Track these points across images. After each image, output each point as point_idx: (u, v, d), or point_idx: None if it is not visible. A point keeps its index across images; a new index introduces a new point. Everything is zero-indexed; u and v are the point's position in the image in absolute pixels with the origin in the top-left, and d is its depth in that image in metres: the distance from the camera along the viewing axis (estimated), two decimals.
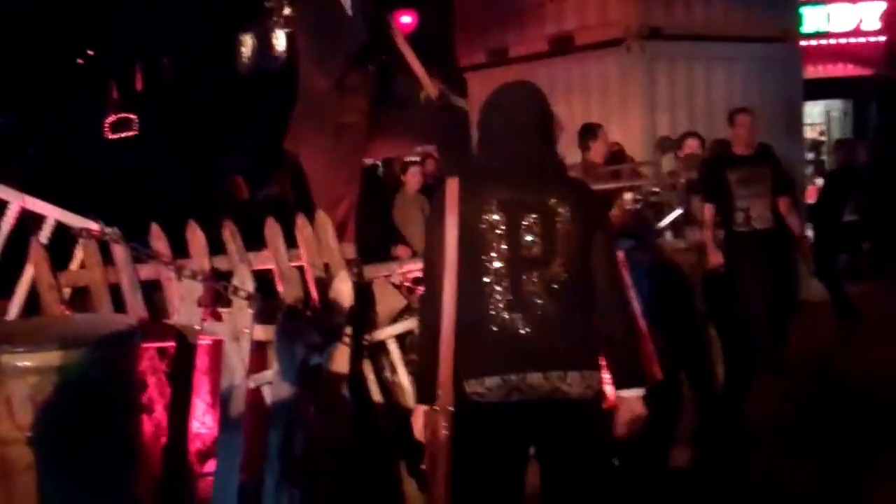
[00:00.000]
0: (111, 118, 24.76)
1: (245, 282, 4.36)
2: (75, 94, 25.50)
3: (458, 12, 10.02)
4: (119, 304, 4.53)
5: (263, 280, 4.60)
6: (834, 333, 8.40)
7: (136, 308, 4.48)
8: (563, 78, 9.02)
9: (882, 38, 15.44)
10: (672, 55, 8.82)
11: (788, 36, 9.65)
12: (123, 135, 24.32)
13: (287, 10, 20.86)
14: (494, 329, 2.86)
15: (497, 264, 2.90)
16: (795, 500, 4.92)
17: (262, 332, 4.31)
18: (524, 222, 2.92)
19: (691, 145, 7.73)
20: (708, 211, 6.85)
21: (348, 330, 4.25)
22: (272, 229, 4.69)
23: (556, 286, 2.88)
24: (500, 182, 2.97)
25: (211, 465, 4.08)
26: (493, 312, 2.87)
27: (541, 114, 3.13)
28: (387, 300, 4.66)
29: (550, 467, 2.95)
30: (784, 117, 9.45)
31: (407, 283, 4.78)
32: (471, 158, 5.08)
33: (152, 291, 4.64)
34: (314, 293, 4.55)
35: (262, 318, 4.33)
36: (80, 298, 4.60)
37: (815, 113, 15.76)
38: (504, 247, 2.89)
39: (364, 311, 4.51)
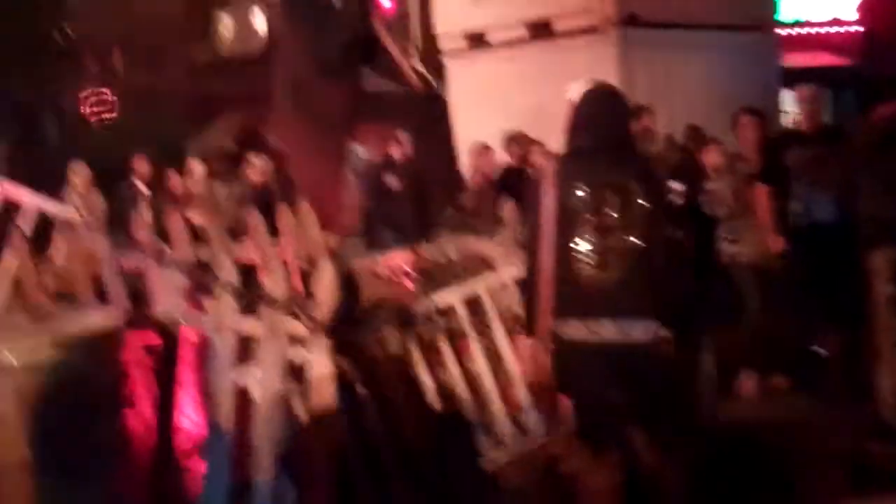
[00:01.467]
0: (87, 94, 24.50)
1: (228, 272, 4.36)
2: (52, 69, 25.21)
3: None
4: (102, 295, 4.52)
5: (246, 271, 4.60)
6: None
7: (120, 300, 4.47)
8: (540, 64, 9.01)
9: (859, 28, 15.54)
10: (650, 43, 8.85)
11: (765, 25, 9.70)
12: (100, 112, 24.11)
13: None
14: (578, 283, 3.55)
15: (583, 233, 3.56)
16: None
17: (248, 325, 4.31)
18: (606, 198, 3.56)
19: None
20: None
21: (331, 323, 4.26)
22: (254, 218, 4.70)
23: (629, 251, 3.54)
24: (587, 164, 3.64)
25: (199, 462, 4.08)
26: (578, 270, 3.56)
27: (621, 111, 3.86)
28: (371, 290, 4.68)
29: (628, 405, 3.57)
30: (761, 105, 9.47)
31: (391, 275, 4.79)
32: (451, 146, 5.16)
33: (135, 281, 4.63)
34: (298, 284, 4.56)
35: (245, 310, 4.33)
36: (63, 288, 4.59)
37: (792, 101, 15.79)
38: (589, 217, 3.55)
39: (348, 301, 4.52)
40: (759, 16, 9.55)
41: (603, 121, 3.72)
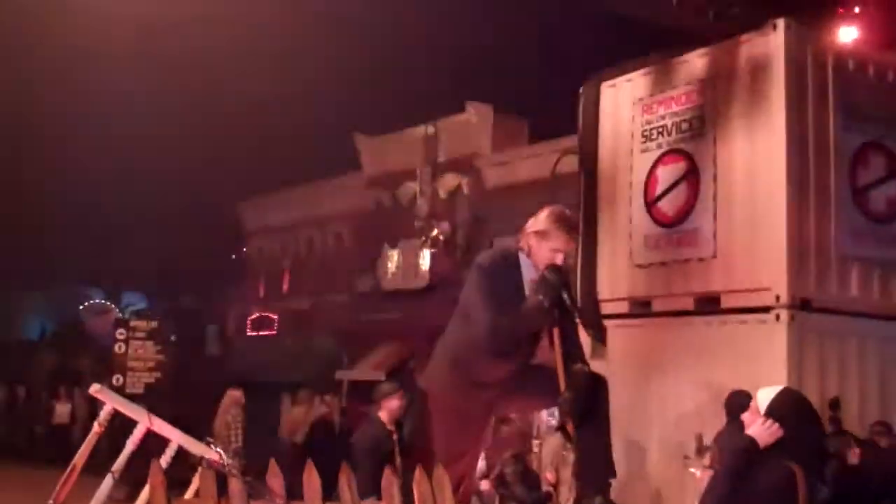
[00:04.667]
0: (254, 315, 25.62)
1: None
2: (224, 288, 26.68)
3: (603, 261, 9.99)
4: None
5: None
6: None
7: None
8: (708, 339, 8.76)
9: None
10: (823, 329, 8.46)
11: None
12: (262, 333, 25.07)
13: (435, 231, 21.52)
14: None
15: None
16: None
17: None
18: None
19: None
20: None
21: None
22: (388, 480, 4.53)
23: None
24: None
25: None
26: None
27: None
28: None
29: None
30: None
31: None
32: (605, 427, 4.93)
33: None
34: None
35: None
36: None
37: None
38: None
39: None
40: None
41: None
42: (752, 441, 3.87)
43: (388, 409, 7.83)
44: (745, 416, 4.15)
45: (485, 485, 8.89)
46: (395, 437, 7.75)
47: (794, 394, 4.23)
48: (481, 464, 7.22)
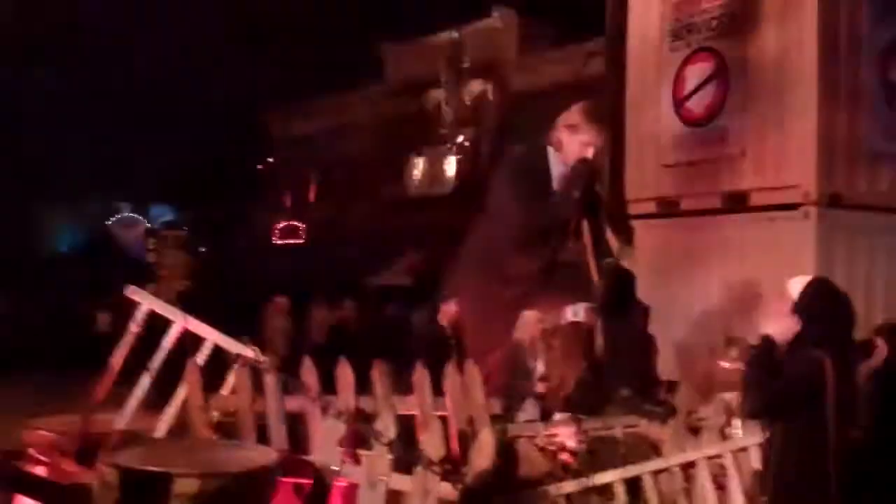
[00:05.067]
0: (281, 224, 25.77)
1: (388, 427, 4.30)
2: (252, 198, 26.79)
3: (631, 160, 9.95)
4: (264, 433, 4.54)
5: (406, 425, 4.52)
6: None
7: (280, 440, 4.47)
8: (735, 237, 8.74)
9: None
10: (853, 226, 8.42)
11: None
12: (290, 241, 25.25)
13: (460, 138, 21.42)
14: None
15: None
16: None
17: (400, 482, 4.20)
18: None
19: None
20: None
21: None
22: (420, 374, 4.63)
23: None
24: None
25: None
26: None
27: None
28: (529, 462, 4.49)
29: None
30: None
31: (552, 447, 4.60)
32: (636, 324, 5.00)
33: (297, 424, 4.63)
34: (455, 447, 4.43)
35: (400, 465, 4.23)
36: (229, 421, 4.63)
37: None
38: None
39: (505, 471, 4.34)
40: None
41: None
42: (766, 338, 3.92)
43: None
44: (775, 305, 4.18)
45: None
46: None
47: (824, 283, 4.26)
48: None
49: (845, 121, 8.46)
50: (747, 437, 4.87)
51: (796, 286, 4.08)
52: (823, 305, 4.01)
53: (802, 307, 3.96)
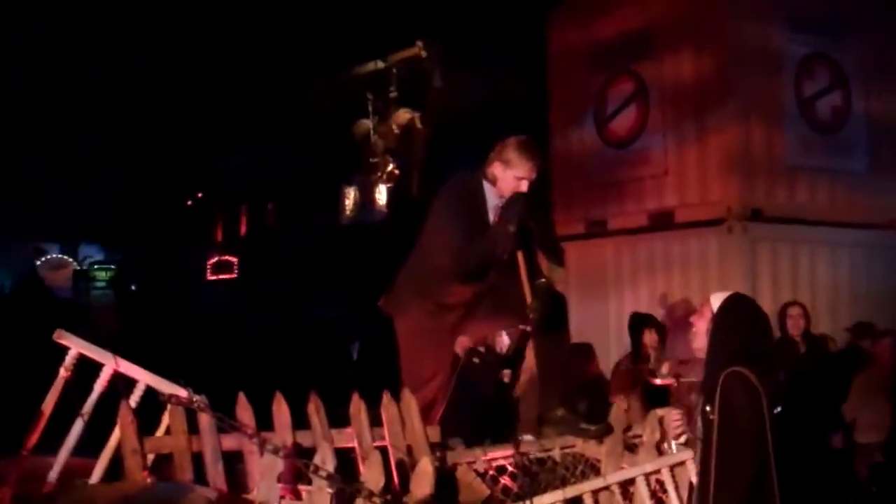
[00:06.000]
0: (213, 259, 25.49)
1: (326, 460, 4.27)
2: (182, 235, 26.45)
3: (557, 182, 10.11)
4: (201, 473, 4.48)
5: (345, 458, 4.50)
6: None
7: (218, 479, 4.41)
8: (662, 253, 8.95)
9: None
10: (775, 237, 8.67)
11: None
12: (222, 276, 24.97)
13: (390, 167, 21.43)
14: None
15: None
16: None
17: None
18: None
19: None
20: None
21: None
22: (356, 406, 4.62)
23: None
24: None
25: None
26: None
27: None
28: (470, 489, 4.50)
29: None
30: (893, 302, 9.13)
31: (492, 472, 4.62)
32: (566, 342, 5.06)
33: (234, 462, 4.58)
34: (395, 476, 4.42)
35: (340, 499, 4.21)
36: (165, 464, 4.56)
37: None
38: None
39: (446, 498, 4.35)
40: (891, 214, 9.25)
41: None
42: None
43: None
44: (695, 319, 4.27)
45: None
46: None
47: (742, 298, 4.35)
48: None
49: (763, 137, 8.74)
50: (683, 451, 4.95)
51: (716, 301, 4.17)
52: (740, 318, 4.10)
53: (720, 321, 4.04)
